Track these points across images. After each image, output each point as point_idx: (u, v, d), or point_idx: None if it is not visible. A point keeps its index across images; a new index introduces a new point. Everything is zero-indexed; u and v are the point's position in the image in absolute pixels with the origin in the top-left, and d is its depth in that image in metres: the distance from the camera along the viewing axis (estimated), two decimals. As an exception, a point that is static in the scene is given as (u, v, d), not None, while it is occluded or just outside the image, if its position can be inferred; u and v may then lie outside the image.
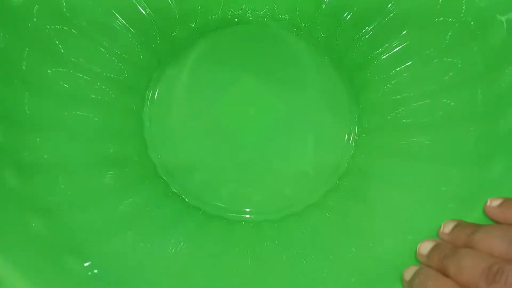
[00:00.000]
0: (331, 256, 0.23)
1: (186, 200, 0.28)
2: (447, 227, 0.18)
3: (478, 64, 0.23)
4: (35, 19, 0.24)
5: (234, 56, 0.30)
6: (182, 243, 0.24)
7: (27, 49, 0.23)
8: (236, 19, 0.31)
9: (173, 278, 0.22)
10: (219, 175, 0.29)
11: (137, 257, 0.22)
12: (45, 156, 0.23)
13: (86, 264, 0.20)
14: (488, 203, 0.17)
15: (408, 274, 0.17)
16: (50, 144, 0.24)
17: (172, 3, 0.29)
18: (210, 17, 0.30)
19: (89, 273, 0.20)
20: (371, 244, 0.23)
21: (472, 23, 0.23)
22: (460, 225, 0.18)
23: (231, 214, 0.28)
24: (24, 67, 0.23)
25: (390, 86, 0.28)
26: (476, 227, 0.17)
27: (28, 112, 0.23)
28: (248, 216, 0.28)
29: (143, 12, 0.28)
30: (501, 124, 0.21)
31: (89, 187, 0.24)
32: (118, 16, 0.27)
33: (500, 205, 0.17)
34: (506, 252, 0.15)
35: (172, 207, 0.28)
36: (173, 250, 0.24)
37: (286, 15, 0.30)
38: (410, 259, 0.19)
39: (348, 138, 0.29)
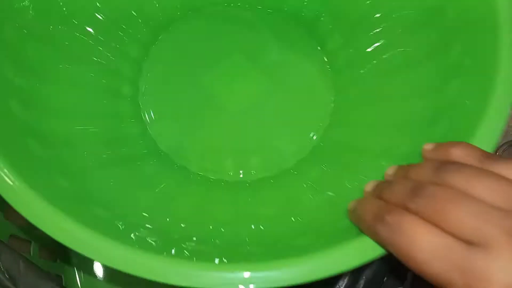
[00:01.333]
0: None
1: (174, 161, 0.31)
2: (391, 170, 0.21)
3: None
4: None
5: (225, 34, 0.34)
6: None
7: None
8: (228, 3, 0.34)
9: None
10: (211, 140, 0.31)
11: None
12: (59, 132, 0.25)
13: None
14: (424, 147, 0.20)
15: (352, 204, 0.21)
16: (63, 124, 0.26)
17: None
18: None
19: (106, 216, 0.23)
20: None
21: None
22: (401, 166, 0.21)
23: (211, 172, 0.30)
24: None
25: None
26: (414, 165, 0.20)
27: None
28: (227, 176, 0.31)
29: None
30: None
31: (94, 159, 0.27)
32: None
33: (433, 148, 0.20)
34: (430, 177, 0.18)
35: (159, 167, 0.30)
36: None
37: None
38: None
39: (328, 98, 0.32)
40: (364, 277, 0.26)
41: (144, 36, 0.33)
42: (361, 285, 0.26)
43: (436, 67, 0.25)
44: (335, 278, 0.26)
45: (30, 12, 0.25)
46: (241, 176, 0.31)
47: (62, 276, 0.32)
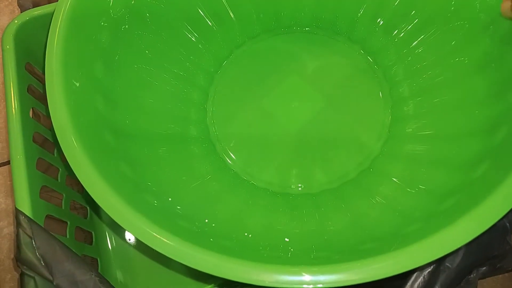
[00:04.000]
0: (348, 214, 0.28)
1: (234, 171, 0.33)
2: None
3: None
4: (126, 26, 0.30)
5: (282, 58, 0.36)
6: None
7: (121, 47, 0.30)
8: (281, 29, 0.37)
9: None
10: (274, 156, 0.34)
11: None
12: (129, 126, 0.30)
13: (155, 202, 0.26)
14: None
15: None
16: (134, 121, 0.30)
17: (232, 16, 0.35)
18: (263, 28, 0.37)
19: (155, 203, 0.26)
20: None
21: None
22: None
23: (276, 186, 0.33)
24: (117, 58, 0.30)
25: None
26: None
27: (121, 93, 0.29)
28: (291, 189, 0.32)
29: (209, 23, 0.35)
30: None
31: (151, 155, 0.30)
32: (188, 26, 0.34)
33: None
34: None
35: (223, 176, 0.33)
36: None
37: (329, 24, 0.36)
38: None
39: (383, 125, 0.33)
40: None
41: (209, 65, 0.36)
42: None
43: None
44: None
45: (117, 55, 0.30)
46: (302, 189, 0.32)
47: (98, 260, 0.32)
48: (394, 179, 0.29)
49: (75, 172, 0.23)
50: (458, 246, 0.19)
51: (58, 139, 0.24)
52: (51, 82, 0.25)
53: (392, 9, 0.33)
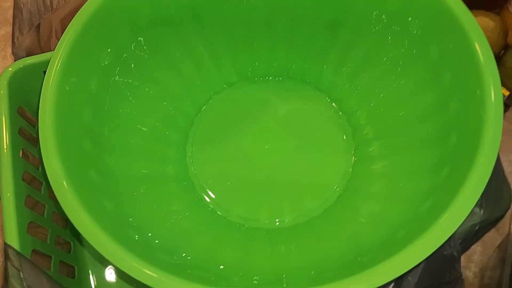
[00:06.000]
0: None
1: (211, 207, 0.36)
2: None
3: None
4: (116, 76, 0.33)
5: (257, 104, 0.40)
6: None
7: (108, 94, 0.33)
8: (256, 78, 0.41)
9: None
10: (247, 193, 0.36)
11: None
12: (113, 166, 0.32)
13: (136, 236, 0.28)
14: None
15: None
16: (117, 161, 0.33)
17: (212, 66, 0.39)
18: (240, 76, 0.40)
19: (136, 237, 0.28)
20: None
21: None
22: None
23: (251, 221, 0.35)
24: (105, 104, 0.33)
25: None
26: None
27: (106, 136, 0.32)
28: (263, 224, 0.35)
29: (191, 72, 0.38)
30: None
31: (133, 192, 0.33)
32: (171, 75, 0.37)
33: None
34: None
35: (201, 213, 0.35)
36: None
37: (298, 75, 0.40)
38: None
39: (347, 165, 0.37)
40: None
41: (190, 109, 0.39)
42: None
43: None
44: None
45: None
46: (276, 224, 0.35)
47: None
48: (358, 215, 0.32)
49: (63, 208, 0.25)
50: (406, 270, 0.22)
51: (49, 180, 0.26)
52: (44, 128, 0.28)
53: (353, 59, 0.38)
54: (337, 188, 0.36)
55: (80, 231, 0.25)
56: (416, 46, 0.32)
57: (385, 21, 0.34)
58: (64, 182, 0.26)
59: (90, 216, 0.25)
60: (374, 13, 0.34)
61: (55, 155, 0.27)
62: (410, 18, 0.32)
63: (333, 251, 0.30)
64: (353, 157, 0.37)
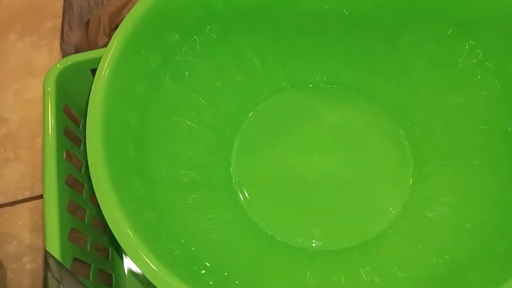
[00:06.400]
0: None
1: (259, 225, 0.34)
2: None
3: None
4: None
5: (306, 112, 0.38)
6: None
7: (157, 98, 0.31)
8: (306, 84, 0.39)
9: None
10: (286, 204, 0.34)
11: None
12: (157, 174, 0.30)
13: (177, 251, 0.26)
14: None
15: None
16: (161, 168, 0.31)
17: (261, 71, 0.37)
18: (289, 82, 0.38)
19: (176, 252, 0.26)
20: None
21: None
22: None
23: (296, 241, 0.33)
24: (151, 108, 0.31)
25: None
26: None
27: (152, 142, 0.31)
28: (310, 245, 0.33)
29: (240, 78, 0.36)
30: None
31: (177, 202, 0.31)
32: (220, 82, 0.36)
33: None
34: None
35: (246, 229, 0.33)
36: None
37: (353, 83, 0.38)
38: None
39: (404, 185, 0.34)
40: None
41: (236, 115, 0.37)
42: None
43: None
44: None
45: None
46: (320, 245, 0.33)
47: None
48: (416, 244, 0.30)
49: (105, 217, 0.24)
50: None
51: (93, 185, 0.25)
52: (92, 129, 0.26)
53: (414, 69, 0.35)
54: (392, 210, 0.33)
55: (123, 246, 0.23)
56: (492, 60, 0.29)
57: (453, 31, 0.31)
58: (108, 187, 0.24)
59: (128, 221, 0.23)
60: (441, 22, 0.31)
61: (100, 155, 0.25)
62: (485, 30, 0.29)
63: (385, 283, 0.28)
64: (411, 178, 0.34)
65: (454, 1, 0.30)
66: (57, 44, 0.46)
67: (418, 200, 0.32)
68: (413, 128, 0.35)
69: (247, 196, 0.35)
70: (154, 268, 0.23)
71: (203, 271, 0.27)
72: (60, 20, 0.47)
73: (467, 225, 0.28)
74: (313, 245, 0.32)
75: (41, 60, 0.46)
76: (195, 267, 0.27)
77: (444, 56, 0.32)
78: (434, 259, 0.27)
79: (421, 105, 0.35)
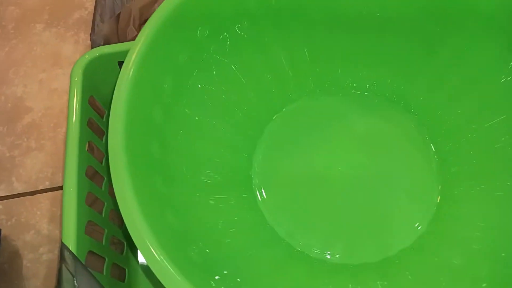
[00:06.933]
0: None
1: (277, 231, 0.33)
2: None
3: None
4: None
5: (334, 118, 0.36)
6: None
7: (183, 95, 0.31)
8: (335, 89, 0.38)
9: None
10: (307, 213, 0.33)
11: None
12: (178, 172, 0.30)
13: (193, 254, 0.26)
14: None
15: None
16: (184, 168, 0.30)
17: (289, 72, 0.36)
18: (318, 85, 0.37)
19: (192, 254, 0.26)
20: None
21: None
22: None
23: (315, 252, 0.32)
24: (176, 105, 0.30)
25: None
26: None
27: (176, 140, 0.30)
28: (329, 257, 0.32)
29: (268, 78, 0.35)
30: None
31: (197, 202, 0.30)
32: (246, 81, 0.35)
33: None
34: None
35: (265, 236, 0.32)
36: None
37: (385, 90, 0.36)
38: None
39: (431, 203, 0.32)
40: None
41: (261, 117, 0.37)
42: None
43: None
44: None
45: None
46: (340, 258, 0.31)
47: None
48: (440, 262, 0.28)
49: (123, 216, 0.23)
50: None
51: (112, 178, 0.25)
52: (114, 122, 0.26)
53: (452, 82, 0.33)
54: (418, 226, 0.31)
55: (138, 247, 0.23)
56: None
57: (500, 44, 0.29)
58: (128, 183, 0.24)
59: (150, 229, 0.23)
60: (487, 34, 0.29)
61: (122, 154, 0.25)
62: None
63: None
64: (439, 196, 0.32)
65: (504, 13, 0.28)
66: (82, 35, 0.47)
67: (445, 220, 0.31)
68: (445, 143, 0.34)
69: (266, 199, 0.34)
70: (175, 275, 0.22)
71: (217, 277, 0.26)
72: (87, 12, 0.47)
73: (502, 254, 0.26)
74: (333, 257, 0.31)
75: (67, 50, 0.46)
76: (209, 272, 0.26)
77: (485, 71, 0.30)
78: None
79: (455, 120, 0.33)
